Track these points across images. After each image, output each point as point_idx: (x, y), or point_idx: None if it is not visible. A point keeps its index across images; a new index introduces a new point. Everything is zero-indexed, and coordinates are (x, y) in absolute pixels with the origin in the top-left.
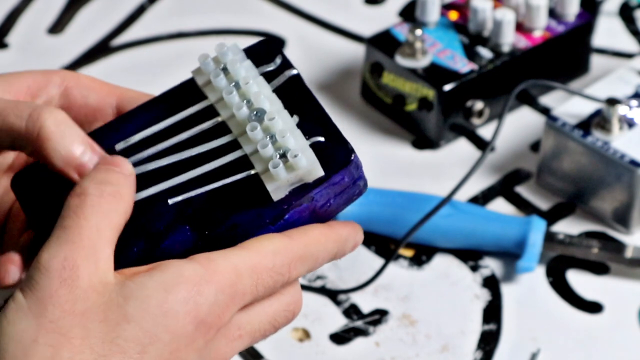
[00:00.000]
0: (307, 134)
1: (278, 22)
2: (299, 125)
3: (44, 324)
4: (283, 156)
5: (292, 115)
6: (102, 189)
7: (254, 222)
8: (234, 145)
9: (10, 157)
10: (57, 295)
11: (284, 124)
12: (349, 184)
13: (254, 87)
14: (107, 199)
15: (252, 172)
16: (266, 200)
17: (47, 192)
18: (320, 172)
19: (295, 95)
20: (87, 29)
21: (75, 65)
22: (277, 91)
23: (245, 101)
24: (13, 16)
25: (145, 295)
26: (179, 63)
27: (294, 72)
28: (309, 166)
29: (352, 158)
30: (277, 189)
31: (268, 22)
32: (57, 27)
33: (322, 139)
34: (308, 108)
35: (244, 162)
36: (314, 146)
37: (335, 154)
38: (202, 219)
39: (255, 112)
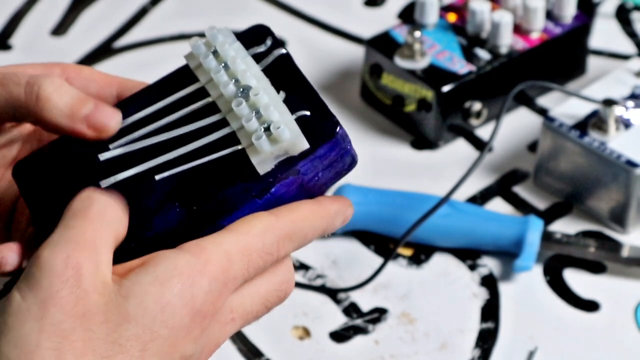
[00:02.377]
0: (293, 108)
1: (279, 24)
2: (285, 101)
3: (46, 327)
4: (267, 129)
5: (278, 92)
6: (107, 201)
7: (241, 196)
8: (222, 124)
9: (14, 149)
10: (58, 296)
11: (269, 99)
12: (335, 157)
13: (241, 65)
14: (113, 209)
15: (239, 147)
16: (253, 174)
17: (49, 181)
18: (304, 145)
19: (283, 73)
20: (90, 30)
21: None
22: (266, 70)
23: (233, 80)
24: (17, 18)
25: (142, 292)
26: (181, 64)
27: (283, 51)
28: (293, 138)
29: (338, 130)
30: (262, 162)
31: (269, 23)
32: (61, 28)
33: (307, 113)
34: (295, 84)
35: (232, 139)
36: (300, 120)
37: (321, 127)
38: (190, 195)
39: (241, 89)
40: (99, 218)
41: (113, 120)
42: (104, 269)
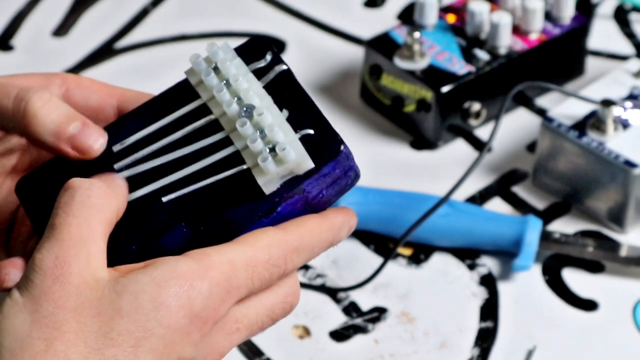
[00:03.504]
0: (297, 127)
1: (279, 25)
2: (288, 119)
3: (37, 320)
4: (272, 150)
5: (281, 110)
6: (91, 184)
7: (247, 216)
8: (226, 142)
9: (13, 158)
10: (50, 291)
11: (273, 118)
12: (339, 175)
13: (243, 83)
14: (97, 193)
15: (244, 167)
16: (258, 194)
17: (52, 197)
18: (309, 164)
19: (285, 90)
20: (91, 31)
21: (80, 67)
22: (268, 87)
23: (235, 98)
24: (18, 19)
25: (138, 290)
26: (182, 65)
27: (284, 67)
28: (298, 158)
29: (342, 149)
30: (268, 183)
31: (269, 25)
32: (62, 29)
33: (311, 131)
34: (298, 102)
35: (236, 158)
36: (304, 139)
37: (325, 145)
38: (197, 215)
39: (244, 108)
40: (82, 210)
41: (97, 143)
42: (95, 262)
